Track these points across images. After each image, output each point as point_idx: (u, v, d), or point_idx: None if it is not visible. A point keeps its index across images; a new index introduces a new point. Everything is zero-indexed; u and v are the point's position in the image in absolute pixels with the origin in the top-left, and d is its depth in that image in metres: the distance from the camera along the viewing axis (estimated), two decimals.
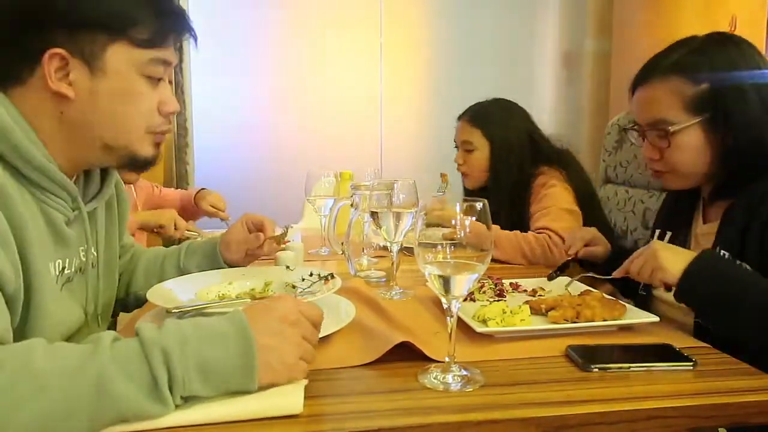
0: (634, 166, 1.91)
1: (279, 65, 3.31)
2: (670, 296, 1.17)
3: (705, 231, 1.18)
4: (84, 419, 0.62)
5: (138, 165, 0.94)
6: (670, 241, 1.23)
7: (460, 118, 1.92)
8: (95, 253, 1.00)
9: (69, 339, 0.90)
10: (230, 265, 1.22)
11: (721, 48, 1.10)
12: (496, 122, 1.85)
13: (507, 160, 1.82)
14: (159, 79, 0.91)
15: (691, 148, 1.10)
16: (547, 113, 3.53)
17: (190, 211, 2.16)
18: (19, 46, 0.83)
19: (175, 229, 1.86)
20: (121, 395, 0.62)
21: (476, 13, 3.43)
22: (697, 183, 1.16)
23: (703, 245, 1.15)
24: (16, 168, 0.81)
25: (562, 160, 1.84)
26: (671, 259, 0.99)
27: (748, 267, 1.00)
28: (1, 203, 0.76)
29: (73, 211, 0.91)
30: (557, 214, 1.66)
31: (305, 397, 0.70)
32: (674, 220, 1.26)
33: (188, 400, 0.67)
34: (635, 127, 1.19)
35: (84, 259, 0.96)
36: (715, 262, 0.99)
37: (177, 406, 0.66)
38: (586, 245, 1.35)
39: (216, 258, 1.22)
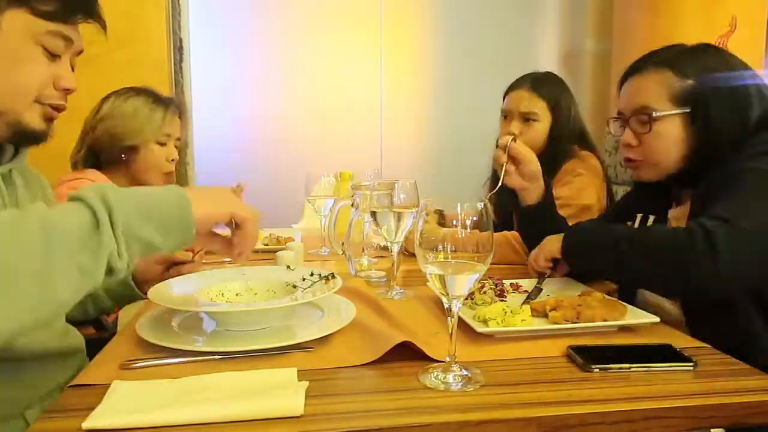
0: None
1: (279, 65, 3.31)
2: (658, 300, 1.22)
3: (677, 214, 1.24)
4: (37, 265, 0.64)
5: (26, 136, 0.94)
6: (654, 223, 1.29)
7: (515, 87, 1.83)
8: None
9: None
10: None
11: (708, 53, 1.20)
12: (561, 98, 1.80)
13: (566, 133, 1.78)
14: (56, 55, 0.92)
15: (669, 137, 1.18)
16: None
17: None
18: None
19: None
20: (66, 227, 0.66)
21: (476, 13, 3.42)
22: (666, 175, 1.22)
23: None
24: None
25: (591, 140, 1.83)
26: (553, 244, 1.24)
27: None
28: None
29: None
30: (573, 211, 1.62)
31: (306, 397, 0.70)
32: (653, 205, 1.31)
33: (130, 245, 0.72)
34: (619, 116, 1.26)
35: None
36: (582, 228, 1.25)
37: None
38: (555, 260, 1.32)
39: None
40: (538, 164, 1.41)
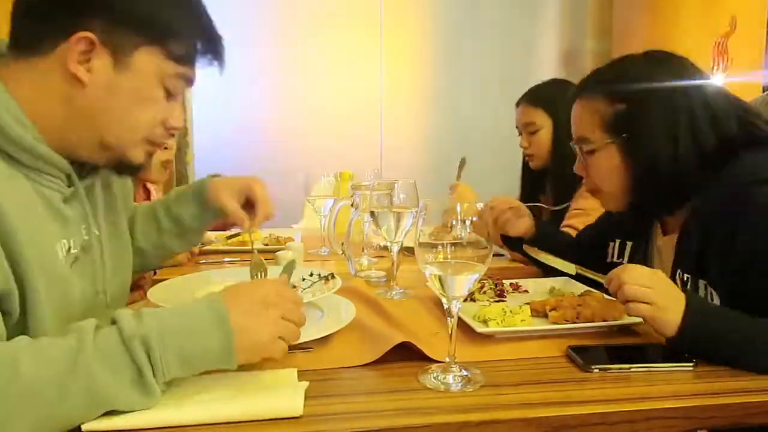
0: None
1: (279, 65, 3.31)
2: None
3: (665, 242, 1.15)
4: (76, 419, 0.64)
5: (124, 168, 0.93)
6: (631, 252, 1.21)
7: (517, 103, 1.90)
8: (97, 232, 0.97)
9: (83, 317, 0.89)
10: (219, 207, 1.15)
11: (647, 67, 1.08)
12: (557, 100, 1.81)
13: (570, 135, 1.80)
14: (175, 96, 0.90)
15: (606, 168, 1.09)
16: None
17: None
18: (54, 18, 0.81)
19: None
20: (109, 392, 0.65)
21: (476, 13, 3.43)
22: (626, 204, 1.12)
23: (664, 258, 1.13)
24: (5, 152, 0.79)
25: None
26: (667, 310, 0.86)
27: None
28: None
29: (69, 187, 0.89)
30: (591, 220, 1.57)
31: (306, 397, 0.70)
32: (632, 230, 1.22)
33: (170, 384, 0.70)
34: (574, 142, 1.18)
35: (87, 238, 0.93)
36: (704, 311, 0.88)
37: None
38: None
39: (205, 203, 1.17)
40: (509, 202, 1.41)
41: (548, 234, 1.43)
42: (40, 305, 0.78)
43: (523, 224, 1.40)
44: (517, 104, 1.91)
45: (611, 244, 1.29)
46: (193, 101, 3.13)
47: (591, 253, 1.29)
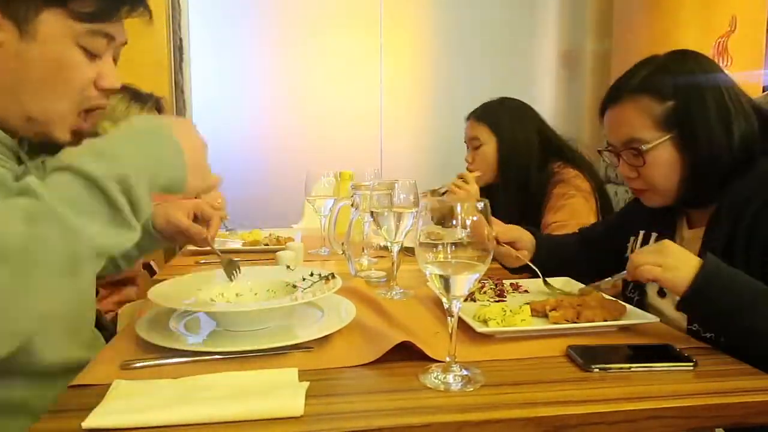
0: None
1: (279, 65, 3.31)
2: (663, 305, 1.17)
3: (692, 235, 1.18)
4: (62, 264, 0.64)
5: (49, 144, 0.90)
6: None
7: (468, 118, 1.93)
8: None
9: None
10: (171, 229, 1.22)
11: (682, 63, 1.13)
12: (502, 117, 1.85)
13: (515, 155, 1.82)
14: (98, 55, 0.86)
15: (665, 165, 1.12)
16: (547, 113, 3.47)
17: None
18: None
19: None
20: (93, 234, 0.66)
21: (476, 13, 3.42)
22: (677, 198, 1.16)
23: (690, 249, 1.11)
24: None
25: (576, 159, 1.83)
26: (679, 268, 0.93)
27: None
28: None
29: (19, 165, 0.88)
30: (572, 230, 1.60)
31: (306, 397, 0.70)
32: (658, 221, 1.24)
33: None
34: (609, 147, 1.20)
35: None
36: (719, 272, 0.93)
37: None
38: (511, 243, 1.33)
39: (148, 230, 1.21)
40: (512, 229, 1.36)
41: (552, 250, 1.39)
42: None
43: (522, 259, 1.34)
44: (466, 119, 1.94)
45: (632, 238, 1.29)
46: (193, 101, 3.13)
47: (604, 250, 1.32)
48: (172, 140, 0.77)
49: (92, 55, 0.86)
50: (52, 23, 0.81)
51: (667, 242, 0.99)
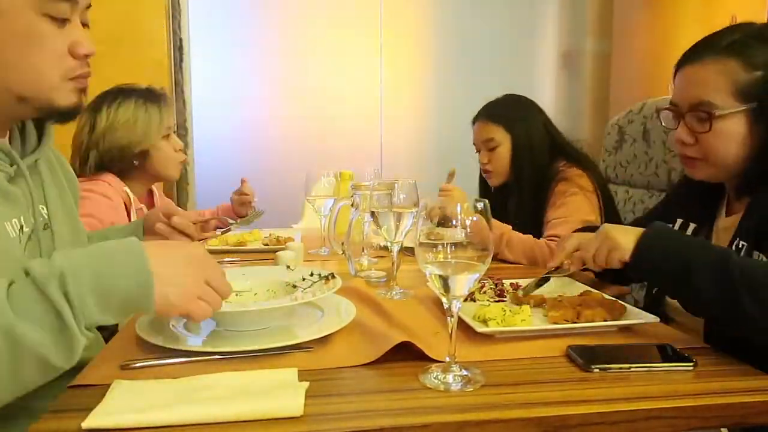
0: (634, 166, 1.92)
1: (279, 65, 3.31)
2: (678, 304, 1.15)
3: (727, 224, 1.13)
4: (6, 377, 0.63)
5: (61, 115, 0.89)
6: (694, 233, 1.19)
7: (475, 120, 1.91)
8: (45, 214, 0.94)
9: None
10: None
11: None
12: (514, 115, 1.84)
13: (530, 153, 1.80)
14: (65, 19, 0.84)
15: (731, 136, 1.04)
16: (547, 113, 3.52)
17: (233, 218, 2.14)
18: None
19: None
20: (35, 343, 0.64)
21: (476, 13, 3.43)
22: (726, 176, 1.10)
23: (723, 239, 1.11)
24: None
25: (581, 158, 1.83)
26: (623, 237, 0.99)
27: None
28: None
29: (11, 166, 0.86)
30: (574, 226, 1.60)
31: (306, 397, 0.70)
32: (698, 212, 1.20)
33: (90, 330, 0.69)
34: (672, 107, 1.12)
35: (33, 220, 0.90)
36: (663, 231, 0.98)
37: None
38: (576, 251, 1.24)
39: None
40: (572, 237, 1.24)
41: None
42: None
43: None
44: (474, 121, 1.91)
45: (669, 225, 1.22)
46: (193, 101, 3.13)
47: None
48: (135, 248, 0.73)
49: (60, 21, 0.83)
50: None
51: (604, 227, 1.03)
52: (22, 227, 0.85)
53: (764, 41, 1.04)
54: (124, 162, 1.69)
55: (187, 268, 0.76)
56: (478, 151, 1.91)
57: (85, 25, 0.89)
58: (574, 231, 1.41)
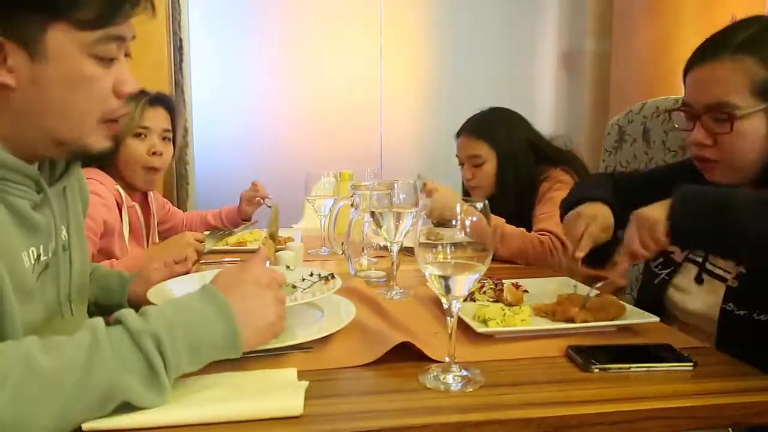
0: (634, 166, 1.91)
1: (279, 65, 3.31)
2: (697, 292, 1.13)
3: None
4: (89, 415, 0.64)
5: (91, 158, 0.89)
6: None
7: (459, 134, 1.92)
8: (66, 235, 0.94)
9: (46, 324, 0.88)
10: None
11: None
12: (499, 131, 1.86)
13: (514, 167, 1.83)
14: (113, 59, 0.83)
15: (752, 136, 1.02)
16: (547, 113, 3.52)
17: (237, 220, 2.12)
18: None
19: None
20: (123, 387, 0.65)
21: (476, 13, 3.42)
22: (744, 178, 1.07)
23: None
24: None
25: (567, 160, 1.85)
26: (653, 212, 0.96)
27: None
28: None
29: (38, 194, 0.86)
30: (558, 220, 1.65)
31: (306, 397, 0.70)
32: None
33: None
34: (686, 108, 1.09)
35: (54, 245, 0.90)
36: (691, 188, 0.96)
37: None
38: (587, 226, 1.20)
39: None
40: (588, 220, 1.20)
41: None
42: (14, 315, 0.77)
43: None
44: (458, 135, 1.92)
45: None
46: (193, 101, 3.13)
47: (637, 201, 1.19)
48: (219, 298, 0.75)
49: (108, 62, 0.83)
50: (60, 39, 0.77)
51: (635, 215, 0.98)
52: (39, 256, 0.85)
53: None
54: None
55: (263, 293, 0.79)
56: (461, 164, 1.92)
57: (127, 55, 0.87)
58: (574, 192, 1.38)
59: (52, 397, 0.61)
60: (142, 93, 1.73)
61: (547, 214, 1.68)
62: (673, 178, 1.16)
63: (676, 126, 1.15)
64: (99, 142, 0.86)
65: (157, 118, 1.73)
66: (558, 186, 1.75)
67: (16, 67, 0.77)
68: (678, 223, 0.93)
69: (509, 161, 1.83)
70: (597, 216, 1.18)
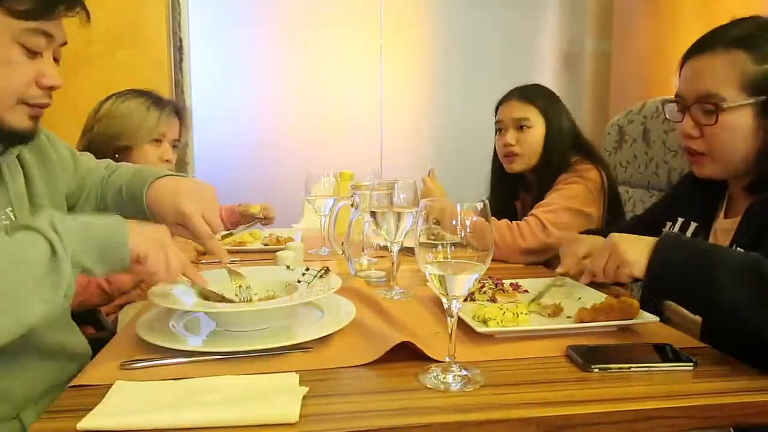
0: (634, 166, 1.91)
1: (279, 65, 3.31)
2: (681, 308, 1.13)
3: (725, 226, 1.12)
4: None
5: (12, 137, 0.92)
6: (694, 234, 1.17)
7: (506, 99, 1.85)
8: (14, 217, 0.97)
9: None
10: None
11: None
12: (549, 102, 1.81)
13: (559, 141, 1.77)
14: (37, 53, 0.89)
15: (738, 130, 1.02)
16: None
17: (237, 217, 2.11)
18: None
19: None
20: (28, 265, 0.73)
21: (476, 13, 3.42)
22: (731, 173, 1.08)
23: (721, 241, 1.10)
24: None
25: (594, 154, 1.80)
26: (633, 250, 0.93)
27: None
28: None
29: None
30: (555, 208, 1.63)
31: (305, 397, 0.70)
32: (699, 211, 1.18)
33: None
34: (678, 99, 1.10)
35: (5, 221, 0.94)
36: (675, 240, 0.92)
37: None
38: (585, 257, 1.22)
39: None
40: (580, 243, 1.23)
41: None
42: None
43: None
44: (502, 101, 1.85)
45: (668, 223, 1.23)
46: (193, 101, 3.13)
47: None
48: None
49: (32, 53, 0.88)
50: None
51: (610, 238, 0.96)
52: None
53: None
54: (107, 152, 1.67)
55: (157, 233, 0.89)
56: (500, 131, 1.84)
57: (56, 60, 0.94)
58: (581, 233, 1.39)
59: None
60: (165, 101, 1.75)
61: (546, 201, 1.64)
62: (666, 205, 1.25)
63: (668, 117, 1.16)
64: (19, 119, 0.91)
65: (173, 127, 1.77)
66: (575, 179, 1.68)
67: None
68: (654, 281, 0.91)
69: (556, 132, 1.77)
70: (590, 244, 1.21)
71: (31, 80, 0.89)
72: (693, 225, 1.18)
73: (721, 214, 1.16)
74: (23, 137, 0.93)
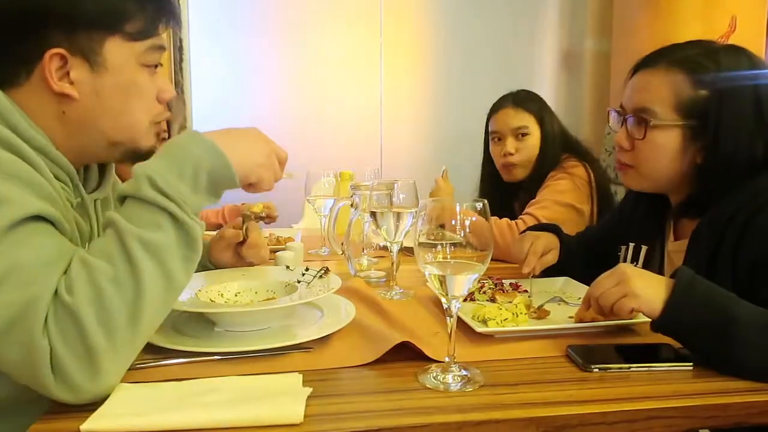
0: None
1: (279, 65, 3.31)
2: None
3: (676, 248, 1.12)
4: (161, 282, 0.72)
5: (139, 157, 0.93)
6: (646, 257, 1.17)
7: (500, 107, 1.85)
8: None
9: None
10: (217, 266, 1.21)
11: (735, 60, 1.03)
12: (539, 104, 1.83)
13: (553, 146, 1.79)
14: (156, 66, 0.92)
15: (663, 148, 1.05)
16: None
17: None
18: (17, 49, 0.82)
19: None
20: (164, 247, 0.72)
21: (476, 13, 3.43)
22: (658, 189, 1.12)
23: (675, 263, 1.09)
24: (18, 153, 0.78)
25: (583, 153, 1.82)
26: (646, 288, 0.86)
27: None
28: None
29: (76, 198, 0.91)
30: (547, 204, 1.65)
31: (306, 398, 0.70)
32: (647, 232, 1.19)
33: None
34: (619, 110, 1.13)
35: None
36: (694, 288, 0.85)
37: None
38: (545, 253, 1.29)
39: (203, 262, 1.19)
40: (537, 240, 1.30)
41: (571, 254, 1.35)
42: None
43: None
44: (497, 109, 1.86)
45: (623, 248, 1.23)
46: (193, 101, 3.13)
47: (601, 257, 1.24)
48: (198, 137, 0.80)
49: (152, 69, 0.91)
50: (117, 50, 0.85)
51: (621, 269, 0.90)
52: None
53: (717, 63, 1.02)
54: None
55: (248, 142, 0.87)
56: (498, 140, 1.84)
57: (158, 65, 0.95)
58: (528, 229, 1.42)
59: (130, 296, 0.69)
60: None
61: (537, 199, 1.67)
62: (619, 223, 1.28)
63: (609, 124, 1.18)
64: (148, 141, 0.93)
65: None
66: (562, 176, 1.71)
67: (78, 79, 0.84)
68: (668, 323, 0.85)
69: (550, 137, 1.80)
70: (540, 236, 1.31)
71: (154, 97, 0.92)
72: (644, 248, 1.18)
73: (671, 236, 1.16)
74: (148, 155, 0.93)
